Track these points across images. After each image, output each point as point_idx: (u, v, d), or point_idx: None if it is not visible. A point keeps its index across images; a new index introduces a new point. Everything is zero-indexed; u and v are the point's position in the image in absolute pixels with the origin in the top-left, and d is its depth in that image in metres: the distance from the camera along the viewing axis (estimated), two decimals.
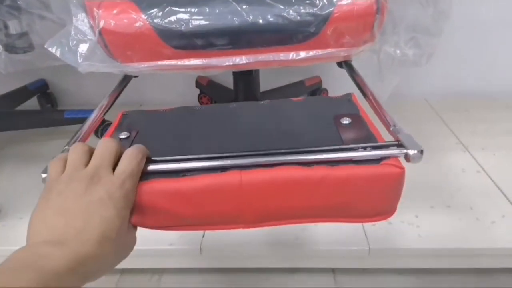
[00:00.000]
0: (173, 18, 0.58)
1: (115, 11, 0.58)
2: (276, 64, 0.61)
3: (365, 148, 0.45)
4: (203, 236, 0.82)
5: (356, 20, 0.58)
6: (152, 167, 0.44)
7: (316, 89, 1.34)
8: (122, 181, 0.39)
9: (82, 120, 1.19)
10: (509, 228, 0.79)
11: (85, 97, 1.44)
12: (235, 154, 0.45)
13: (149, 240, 0.67)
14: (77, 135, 0.53)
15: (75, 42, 0.62)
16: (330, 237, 0.79)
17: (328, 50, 0.60)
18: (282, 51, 0.60)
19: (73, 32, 0.62)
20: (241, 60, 0.59)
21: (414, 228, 0.80)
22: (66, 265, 0.33)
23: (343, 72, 0.79)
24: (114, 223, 0.37)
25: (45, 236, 0.36)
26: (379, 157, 0.43)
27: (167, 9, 0.58)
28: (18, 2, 0.87)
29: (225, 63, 0.59)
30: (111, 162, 0.41)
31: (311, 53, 0.60)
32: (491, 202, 0.86)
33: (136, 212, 0.43)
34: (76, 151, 0.42)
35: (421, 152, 0.43)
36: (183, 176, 0.43)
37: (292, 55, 0.59)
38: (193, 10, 0.58)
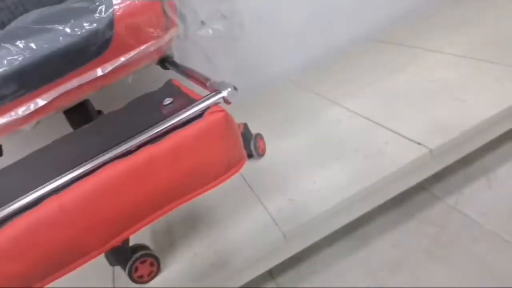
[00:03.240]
0: None
1: None
2: (88, 90, 0.55)
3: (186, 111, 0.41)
4: None
5: (141, 11, 0.55)
6: None
7: None
8: None
9: None
10: (398, 148, 0.80)
11: None
12: (49, 182, 0.38)
13: None
14: None
15: None
16: (244, 242, 0.74)
17: (135, 51, 0.56)
18: (86, 72, 0.54)
19: None
20: (43, 100, 0.52)
21: (315, 193, 0.78)
22: None
23: None
24: None
25: None
26: (200, 112, 0.41)
27: None
28: None
29: (25, 112, 0.51)
30: None
31: (120, 60, 0.55)
32: (371, 136, 0.88)
33: None
34: None
35: (235, 88, 0.41)
36: None
37: (99, 71, 0.54)
38: None
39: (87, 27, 0.52)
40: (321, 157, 0.88)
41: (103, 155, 0.37)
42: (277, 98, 1.31)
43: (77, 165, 0.38)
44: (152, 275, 0.70)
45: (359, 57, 1.35)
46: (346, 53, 1.39)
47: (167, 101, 0.48)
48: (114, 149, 0.38)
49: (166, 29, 0.58)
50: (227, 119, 0.41)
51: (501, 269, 0.66)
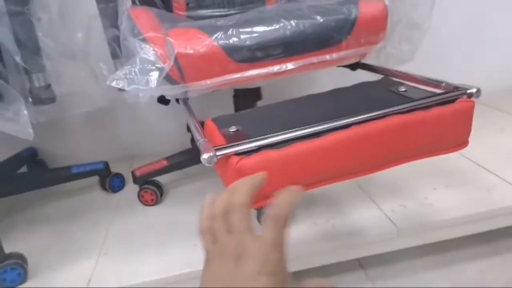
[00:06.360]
0: (236, 36, 0.69)
1: (185, 38, 0.68)
2: (319, 66, 0.75)
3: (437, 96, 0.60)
4: None
5: (376, 22, 0.75)
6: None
7: None
8: (266, 254, 0.36)
9: (90, 174, 1.19)
10: (506, 191, 0.93)
11: (72, 159, 1.37)
12: (350, 117, 0.57)
13: None
14: None
15: (142, 72, 0.68)
16: (356, 226, 0.88)
17: (358, 49, 0.75)
18: (325, 54, 0.74)
19: (139, 63, 0.69)
20: (292, 65, 0.72)
21: (426, 206, 0.92)
22: None
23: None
24: None
25: None
26: (452, 99, 0.60)
27: (230, 30, 0.69)
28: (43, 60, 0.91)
29: (280, 70, 0.71)
30: (250, 229, 0.39)
31: (344, 53, 0.75)
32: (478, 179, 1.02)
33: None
34: (217, 220, 0.40)
35: (479, 90, 0.59)
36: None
37: (334, 55, 0.73)
38: (253, 28, 0.70)
39: (335, 22, 0.72)
40: (437, 180, 1.03)
41: (387, 108, 0.58)
42: None
43: (348, 116, 0.58)
44: None
45: None
46: None
47: (402, 88, 0.66)
48: (396, 107, 0.58)
49: (381, 40, 0.77)
50: (473, 110, 0.59)
51: None
